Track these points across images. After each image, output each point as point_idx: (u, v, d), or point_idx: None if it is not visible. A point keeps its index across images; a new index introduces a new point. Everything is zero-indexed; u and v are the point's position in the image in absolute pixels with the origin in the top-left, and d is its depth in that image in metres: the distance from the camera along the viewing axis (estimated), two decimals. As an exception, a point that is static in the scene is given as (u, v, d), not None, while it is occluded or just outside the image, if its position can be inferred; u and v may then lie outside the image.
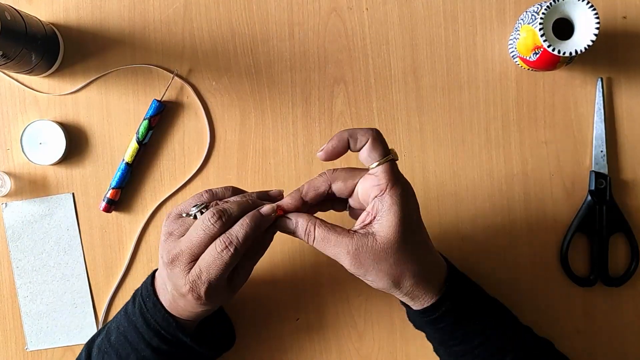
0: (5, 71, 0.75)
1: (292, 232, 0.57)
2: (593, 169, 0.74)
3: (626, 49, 0.75)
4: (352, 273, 0.56)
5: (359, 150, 0.56)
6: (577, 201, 0.75)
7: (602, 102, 0.74)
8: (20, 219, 0.76)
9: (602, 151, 0.74)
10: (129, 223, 0.77)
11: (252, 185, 0.76)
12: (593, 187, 0.74)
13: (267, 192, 0.61)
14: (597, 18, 0.64)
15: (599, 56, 0.74)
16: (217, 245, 0.54)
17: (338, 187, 0.58)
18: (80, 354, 0.66)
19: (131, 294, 0.76)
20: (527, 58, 0.69)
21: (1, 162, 0.77)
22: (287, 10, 0.75)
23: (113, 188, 0.75)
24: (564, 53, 0.64)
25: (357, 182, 0.57)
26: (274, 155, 0.76)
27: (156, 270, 0.66)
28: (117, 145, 0.76)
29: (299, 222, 0.57)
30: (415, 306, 0.60)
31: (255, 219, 0.56)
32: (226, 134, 0.76)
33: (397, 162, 0.56)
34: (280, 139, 0.76)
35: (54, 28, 0.75)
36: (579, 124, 0.75)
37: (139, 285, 0.74)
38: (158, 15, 0.76)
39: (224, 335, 0.72)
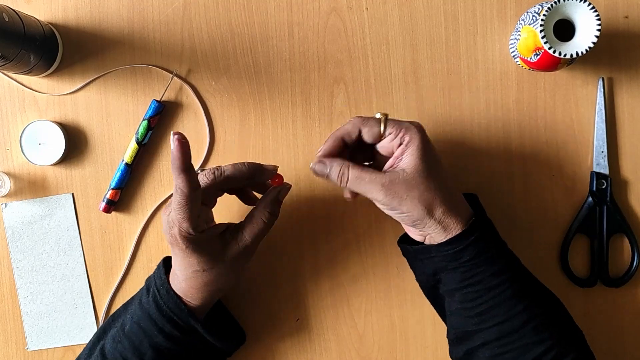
0: (4, 72, 0.75)
1: (326, 175, 0.63)
2: (594, 170, 0.74)
3: (628, 48, 0.74)
4: (387, 208, 0.61)
5: (356, 140, 0.62)
6: (578, 201, 0.75)
7: (603, 102, 0.74)
8: (20, 219, 0.76)
9: (602, 151, 0.74)
10: (129, 223, 0.76)
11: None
12: (594, 188, 0.74)
13: (262, 165, 0.66)
14: (599, 20, 0.63)
15: (600, 56, 0.74)
16: (204, 172, 0.64)
17: (366, 133, 0.62)
18: (92, 347, 0.67)
19: (131, 294, 0.76)
20: (528, 59, 0.68)
21: (1, 162, 0.76)
22: (286, 10, 0.75)
23: (113, 188, 0.75)
24: (565, 55, 0.64)
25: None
26: (274, 155, 0.76)
27: (166, 258, 0.69)
28: (117, 145, 0.76)
29: (333, 165, 0.62)
30: (445, 236, 0.62)
31: (250, 164, 0.65)
32: (226, 134, 0.76)
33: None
34: (280, 139, 0.76)
35: (52, 28, 0.74)
36: (579, 124, 0.75)
37: (139, 285, 0.74)
38: (157, 15, 0.75)
39: (233, 331, 0.74)
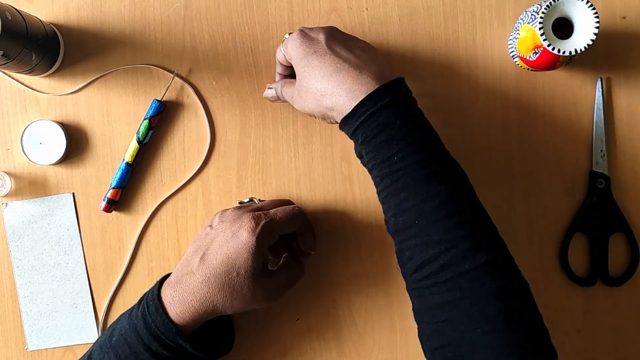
0: (6, 71, 0.75)
1: (275, 97, 0.71)
2: (593, 169, 0.74)
3: (626, 49, 0.75)
4: (301, 111, 0.66)
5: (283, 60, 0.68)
6: (577, 201, 0.75)
7: (601, 102, 0.74)
8: (21, 218, 0.76)
9: (601, 151, 0.74)
10: (129, 223, 0.77)
11: (252, 185, 0.76)
12: (593, 187, 0.74)
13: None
14: (597, 17, 0.64)
15: (598, 56, 0.75)
16: (289, 206, 0.68)
17: (280, 56, 0.68)
18: (86, 352, 0.66)
19: (131, 294, 0.76)
20: (527, 57, 0.69)
21: (1, 162, 0.77)
22: (287, 10, 0.76)
23: (113, 188, 0.75)
24: (564, 52, 0.64)
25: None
26: (274, 155, 0.76)
27: (165, 277, 0.67)
28: (118, 145, 0.76)
29: (277, 85, 0.71)
30: (352, 100, 0.59)
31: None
32: (226, 134, 0.76)
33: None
34: (280, 139, 0.76)
35: (54, 28, 0.75)
36: (578, 123, 0.75)
37: (139, 285, 0.74)
38: (158, 15, 0.76)
39: (224, 340, 0.73)
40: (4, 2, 0.64)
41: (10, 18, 0.63)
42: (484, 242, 0.57)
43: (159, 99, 0.74)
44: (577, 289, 0.75)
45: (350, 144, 0.75)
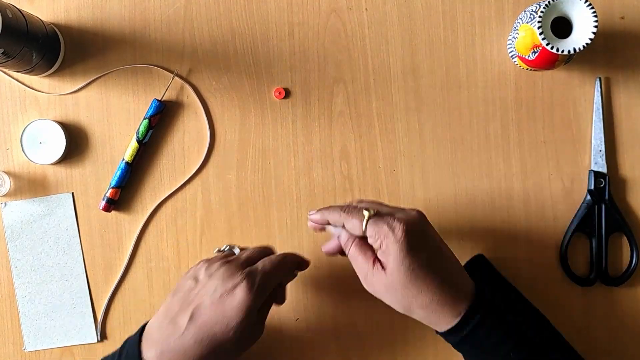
0: (6, 70, 0.76)
1: (338, 235, 0.63)
2: (592, 169, 0.74)
3: (624, 49, 0.75)
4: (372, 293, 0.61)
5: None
6: (576, 201, 0.75)
7: (600, 101, 0.74)
8: (20, 218, 0.76)
9: (600, 150, 0.74)
10: (129, 223, 0.76)
11: (252, 185, 0.76)
12: (592, 187, 0.74)
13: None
14: (595, 16, 0.64)
15: (597, 56, 0.75)
16: (278, 255, 0.66)
17: (350, 228, 0.61)
18: None
19: (130, 294, 0.76)
20: (526, 57, 0.69)
21: (1, 161, 0.77)
22: (287, 11, 0.76)
23: (113, 187, 0.75)
24: (563, 51, 0.65)
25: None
26: (274, 154, 0.76)
27: (144, 326, 0.63)
28: (117, 144, 0.76)
29: (343, 233, 0.62)
30: (438, 329, 0.61)
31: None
32: (226, 134, 0.76)
33: (375, 214, 0.60)
34: (280, 139, 0.76)
35: (55, 28, 0.75)
36: (577, 123, 0.75)
37: (138, 285, 0.73)
38: (158, 15, 0.76)
39: None
40: (5, 1, 0.64)
41: (11, 16, 0.63)
42: None
43: (159, 99, 0.74)
44: (577, 289, 0.75)
45: (350, 143, 0.76)
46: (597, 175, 0.74)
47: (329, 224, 0.64)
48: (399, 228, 0.58)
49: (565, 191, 0.75)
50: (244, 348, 0.63)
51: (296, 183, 0.76)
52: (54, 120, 0.75)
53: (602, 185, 0.74)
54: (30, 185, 0.76)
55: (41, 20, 0.72)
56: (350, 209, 0.61)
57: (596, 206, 0.74)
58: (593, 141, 0.74)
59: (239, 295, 0.60)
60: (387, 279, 0.58)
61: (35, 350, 0.77)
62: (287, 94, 0.76)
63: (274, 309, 0.76)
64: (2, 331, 0.77)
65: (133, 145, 0.74)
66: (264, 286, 0.61)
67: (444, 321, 0.59)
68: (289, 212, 0.76)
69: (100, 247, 0.76)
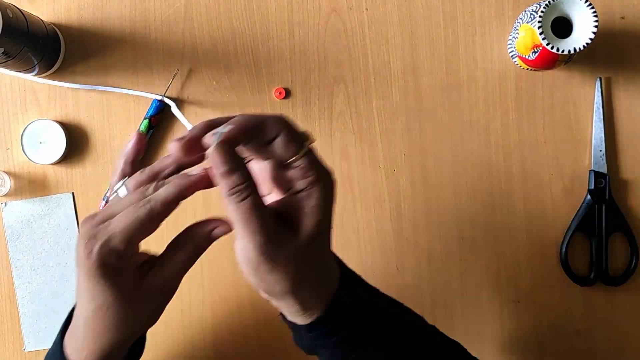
0: (6, 70, 0.76)
1: (221, 172, 0.45)
2: (592, 169, 0.74)
3: (624, 49, 0.75)
4: (249, 267, 0.46)
5: (265, 144, 0.46)
6: (577, 201, 0.75)
7: (600, 101, 0.74)
8: (20, 218, 0.76)
9: (601, 150, 0.74)
10: (129, 222, 0.76)
11: (252, 185, 0.76)
12: (592, 187, 0.74)
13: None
14: (596, 16, 0.64)
15: (597, 56, 0.75)
16: (133, 199, 0.48)
17: (276, 146, 0.46)
18: None
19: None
20: (526, 57, 0.69)
21: (1, 161, 0.77)
22: (287, 10, 0.76)
23: None
24: (563, 51, 0.65)
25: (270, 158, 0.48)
26: (274, 154, 0.76)
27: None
28: (118, 144, 0.76)
29: (241, 171, 0.44)
30: (303, 319, 0.50)
31: (182, 182, 0.49)
32: (226, 134, 0.76)
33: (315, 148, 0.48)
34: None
35: (55, 28, 0.75)
36: (578, 123, 0.75)
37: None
38: (159, 15, 0.76)
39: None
40: (5, 1, 0.64)
41: (11, 16, 0.63)
42: None
43: (159, 99, 0.74)
44: (577, 289, 0.75)
45: (350, 143, 0.76)
46: (598, 175, 0.74)
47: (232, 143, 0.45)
48: (330, 178, 0.47)
49: (565, 191, 0.75)
50: (141, 316, 0.52)
51: (296, 183, 0.76)
52: (54, 120, 0.75)
53: (602, 186, 0.74)
54: (30, 185, 0.76)
55: (41, 20, 0.72)
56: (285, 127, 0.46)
57: (596, 206, 0.74)
58: (593, 141, 0.74)
59: (83, 266, 0.47)
60: (298, 243, 0.46)
61: (35, 350, 0.77)
62: (287, 94, 0.76)
63: (273, 311, 0.76)
64: (2, 331, 0.77)
65: None
66: (108, 250, 0.46)
67: (317, 308, 0.49)
68: (289, 212, 0.76)
69: (101, 247, 0.76)
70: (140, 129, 0.74)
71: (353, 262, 0.75)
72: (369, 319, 0.52)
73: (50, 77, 0.76)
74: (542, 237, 0.75)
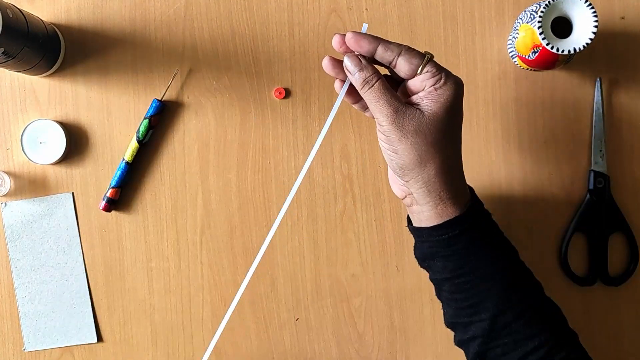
0: (6, 70, 0.76)
1: (353, 73, 0.57)
2: (592, 169, 0.74)
3: (624, 49, 0.75)
4: (384, 138, 0.56)
5: (389, 63, 0.57)
6: (577, 201, 0.75)
7: (600, 101, 0.74)
8: (20, 218, 0.76)
9: (601, 150, 0.74)
10: (129, 223, 0.76)
11: (252, 185, 0.76)
12: (592, 187, 0.74)
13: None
14: (596, 16, 0.64)
15: (597, 56, 0.75)
16: None
17: (403, 62, 0.56)
18: None
19: (130, 294, 0.76)
20: (526, 57, 0.69)
21: (1, 161, 0.77)
22: (287, 10, 0.76)
23: (113, 187, 0.75)
24: (563, 51, 0.65)
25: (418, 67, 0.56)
26: (274, 154, 0.76)
27: None
28: (117, 144, 0.76)
29: (368, 67, 0.57)
30: (432, 216, 0.57)
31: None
32: (226, 134, 0.76)
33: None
34: (280, 139, 0.76)
35: (55, 28, 0.75)
36: (577, 123, 0.75)
37: (138, 285, 0.71)
38: (159, 15, 0.76)
39: None
40: (5, 1, 0.64)
41: (11, 16, 0.63)
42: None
43: (159, 99, 0.74)
44: (577, 289, 0.75)
45: (350, 143, 0.76)
46: (597, 175, 0.74)
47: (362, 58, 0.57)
48: (457, 78, 0.57)
49: (565, 191, 0.75)
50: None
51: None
52: (54, 120, 0.75)
53: (602, 186, 0.74)
54: (30, 185, 0.76)
55: (41, 20, 0.72)
56: (407, 46, 0.57)
57: (596, 206, 0.74)
58: (593, 141, 0.75)
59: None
60: (424, 117, 0.55)
61: (35, 351, 0.77)
62: (287, 93, 0.76)
63: (273, 309, 0.76)
64: (2, 331, 0.77)
65: (133, 145, 0.74)
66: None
67: (443, 202, 0.57)
68: (289, 212, 0.76)
69: (100, 247, 0.76)
70: (140, 129, 0.74)
71: (353, 262, 0.76)
72: (494, 234, 0.60)
73: (50, 77, 0.76)
74: (542, 237, 0.76)
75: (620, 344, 0.75)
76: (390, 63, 0.57)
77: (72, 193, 0.76)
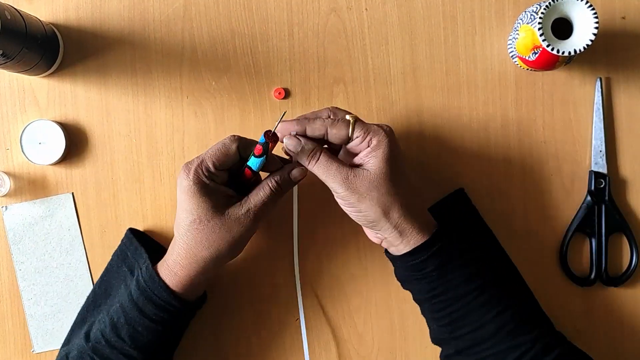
0: (5, 71, 0.75)
1: (297, 152, 0.63)
2: (592, 169, 0.74)
3: (625, 49, 0.75)
4: (345, 203, 0.63)
5: (319, 137, 0.63)
6: (577, 201, 0.75)
7: (601, 101, 0.74)
8: (21, 221, 0.76)
9: (601, 151, 0.74)
10: (130, 223, 0.76)
11: (251, 185, 0.76)
12: (592, 187, 0.74)
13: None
14: (596, 18, 0.64)
15: (597, 56, 0.75)
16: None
17: (334, 135, 0.63)
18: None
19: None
20: (526, 58, 0.69)
21: (1, 161, 0.77)
22: (286, 10, 0.76)
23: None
24: (563, 52, 0.64)
25: (349, 133, 0.62)
26: (274, 154, 0.76)
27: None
28: (117, 145, 0.76)
29: (308, 144, 0.63)
30: (404, 246, 0.63)
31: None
32: (226, 134, 0.75)
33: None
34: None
35: (53, 28, 0.75)
36: (578, 123, 0.75)
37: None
38: (158, 15, 0.76)
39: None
40: (3, 2, 0.64)
41: (9, 17, 0.63)
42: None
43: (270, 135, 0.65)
44: (577, 289, 0.75)
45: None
46: (598, 175, 0.74)
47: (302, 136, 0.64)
48: (385, 127, 0.63)
49: (565, 191, 0.75)
50: (231, 232, 0.64)
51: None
52: (53, 121, 0.75)
53: (602, 186, 0.74)
54: (30, 186, 0.76)
55: (40, 20, 0.72)
56: (331, 119, 0.63)
57: (596, 206, 0.74)
58: (593, 141, 0.74)
59: (182, 185, 0.63)
60: (372, 175, 0.61)
61: (44, 352, 0.77)
62: (287, 94, 0.76)
63: (273, 309, 0.76)
64: (9, 334, 0.77)
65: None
66: (201, 170, 0.63)
67: (413, 234, 0.62)
68: (289, 212, 0.76)
69: (103, 247, 0.77)
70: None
71: (353, 262, 0.76)
72: (465, 251, 0.64)
73: (49, 77, 0.76)
74: (542, 237, 0.76)
75: (620, 344, 0.75)
76: (323, 137, 0.63)
77: (72, 193, 0.76)
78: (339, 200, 0.64)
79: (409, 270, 0.64)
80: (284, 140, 0.64)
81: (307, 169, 0.65)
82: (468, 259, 0.64)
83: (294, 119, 0.64)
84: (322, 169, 0.62)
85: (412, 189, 0.64)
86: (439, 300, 0.63)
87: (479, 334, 0.62)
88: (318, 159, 0.63)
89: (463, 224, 0.72)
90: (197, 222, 0.63)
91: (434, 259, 0.62)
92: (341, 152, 0.66)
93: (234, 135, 0.65)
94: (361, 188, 0.61)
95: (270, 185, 0.65)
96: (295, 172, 0.66)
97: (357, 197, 0.61)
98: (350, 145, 0.63)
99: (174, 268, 0.65)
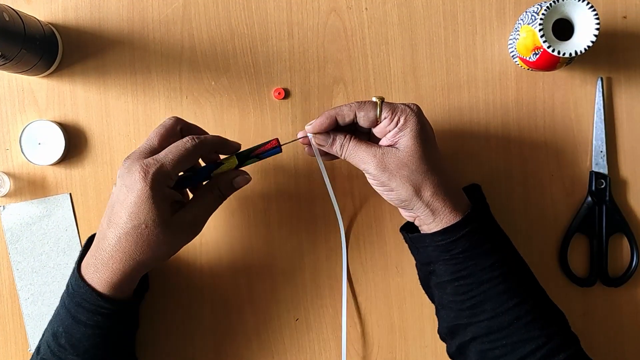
0: (4, 71, 0.75)
1: (328, 145, 0.65)
2: (593, 169, 0.74)
3: (626, 48, 0.75)
4: (377, 183, 0.63)
5: (350, 122, 0.63)
6: (577, 201, 0.75)
7: (602, 102, 0.74)
8: (19, 220, 0.76)
9: (602, 151, 0.74)
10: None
11: (252, 185, 0.75)
12: (593, 188, 0.74)
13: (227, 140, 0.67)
14: (597, 19, 0.64)
15: (599, 56, 0.74)
16: (182, 139, 0.62)
17: (362, 117, 0.62)
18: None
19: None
20: (527, 58, 0.69)
21: (0, 162, 0.76)
22: (286, 10, 0.75)
23: None
24: (564, 54, 0.64)
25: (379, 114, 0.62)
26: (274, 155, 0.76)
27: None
28: (116, 145, 0.76)
29: (337, 135, 0.64)
30: (436, 225, 0.62)
31: (217, 136, 0.66)
32: (225, 134, 0.76)
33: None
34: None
35: (52, 28, 0.75)
36: (578, 124, 0.75)
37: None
38: (157, 15, 0.76)
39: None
40: (1, 3, 0.64)
41: (7, 19, 0.63)
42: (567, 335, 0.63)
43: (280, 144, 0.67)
44: (577, 290, 0.75)
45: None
46: (598, 176, 0.74)
47: (330, 129, 0.64)
48: (412, 105, 0.62)
49: (565, 192, 0.75)
50: (172, 241, 0.62)
51: (296, 183, 0.76)
52: (52, 121, 0.75)
53: (602, 186, 0.74)
54: (29, 186, 0.76)
55: (38, 20, 0.71)
56: (358, 102, 0.63)
57: (597, 207, 0.74)
58: (594, 142, 0.74)
59: (137, 188, 0.59)
60: (401, 153, 0.61)
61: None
62: (287, 94, 0.76)
63: (273, 309, 0.76)
64: (6, 333, 0.77)
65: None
66: (161, 175, 0.59)
67: (446, 213, 0.62)
68: (289, 212, 0.76)
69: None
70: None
71: (353, 262, 0.76)
72: (494, 238, 0.65)
73: (49, 77, 0.76)
74: (542, 237, 0.75)
75: (620, 344, 0.75)
76: (352, 122, 0.63)
77: (70, 194, 0.76)
78: (370, 181, 0.64)
79: (437, 250, 0.63)
80: (312, 140, 0.65)
81: (250, 177, 0.66)
82: (496, 245, 0.63)
83: (322, 116, 0.64)
84: (353, 153, 0.63)
85: (445, 168, 0.63)
86: (463, 283, 0.62)
87: (496, 322, 0.61)
88: (348, 146, 0.63)
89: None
90: (142, 227, 0.59)
91: (464, 241, 0.62)
92: (370, 138, 0.66)
93: (194, 138, 0.63)
94: (391, 165, 0.61)
95: (215, 193, 0.65)
96: (238, 180, 0.66)
97: (387, 175, 0.61)
98: (380, 127, 0.63)
99: (103, 271, 0.62)
